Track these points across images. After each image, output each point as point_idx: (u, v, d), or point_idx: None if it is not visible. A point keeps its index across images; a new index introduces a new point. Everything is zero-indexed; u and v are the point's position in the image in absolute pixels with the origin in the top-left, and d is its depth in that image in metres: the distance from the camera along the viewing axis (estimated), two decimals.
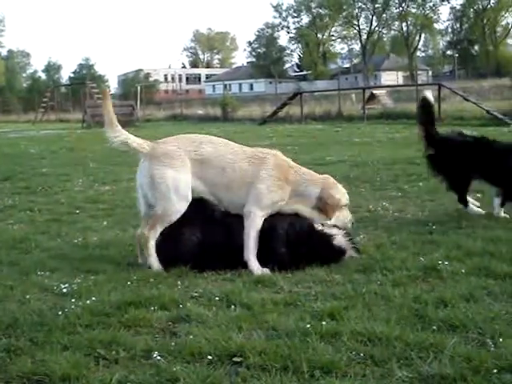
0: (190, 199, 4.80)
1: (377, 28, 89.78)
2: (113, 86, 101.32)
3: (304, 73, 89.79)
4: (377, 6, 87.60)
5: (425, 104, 6.74)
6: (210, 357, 3.08)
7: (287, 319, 3.55)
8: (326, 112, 31.42)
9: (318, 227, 4.90)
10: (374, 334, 3.25)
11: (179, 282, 4.38)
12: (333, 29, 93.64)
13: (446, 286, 4.11)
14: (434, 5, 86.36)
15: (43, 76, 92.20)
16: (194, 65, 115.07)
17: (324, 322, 3.45)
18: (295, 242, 4.76)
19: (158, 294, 4.04)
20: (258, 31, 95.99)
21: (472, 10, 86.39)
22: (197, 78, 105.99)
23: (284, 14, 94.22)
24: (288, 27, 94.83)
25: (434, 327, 3.35)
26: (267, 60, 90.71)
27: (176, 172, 4.74)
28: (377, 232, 5.83)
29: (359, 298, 3.90)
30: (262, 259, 4.71)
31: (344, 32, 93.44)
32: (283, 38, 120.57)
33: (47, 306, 3.93)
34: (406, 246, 5.15)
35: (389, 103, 32.54)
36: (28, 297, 4.11)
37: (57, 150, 17.13)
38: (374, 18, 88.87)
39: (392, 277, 4.32)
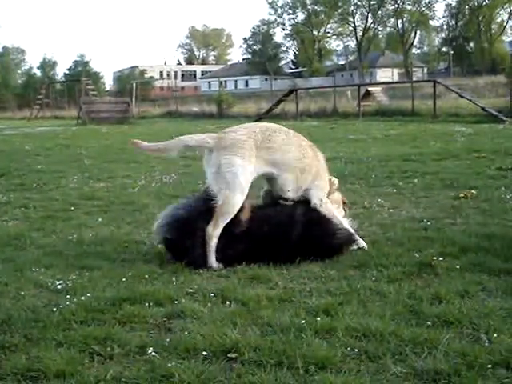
0: (246, 193, 4.77)
1: (372, 25, 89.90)
2: (108, 82, 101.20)
3: (299, 70, 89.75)
4: (372, 2, 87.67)
5: None
6: (204, 353, 3.08)
7: (282, 315, 3.55)
8: (321, 109, 31.42)
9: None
10: (368, 330, 3.26)
11: (174, 279, 4.38)
12: (328, 26, 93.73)
13: (441, 282, 4.12)
14: (429, 2, 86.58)
15: (38, 73, 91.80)
16: (189, 61, 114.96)
17: (319, 318, 3.46)
18: (309, 230, 4.85)
19: (152, 290, 4.04)
20: (254, 28, 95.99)
21: (467, 7, 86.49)
22: (192, 75, 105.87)
23: (279, 11, 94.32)
24: (283, 24, 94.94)
25: (429, 323, 3.36)
26: (263, 57, 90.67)
27: (244, 161, 4.71)
28: (372, 228, 5.83)
29: (354, 294, 3.90)
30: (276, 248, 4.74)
31: (339, 29, 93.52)
32: (279, 35, 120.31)
33: (42, 302, 3.92)
34: (401, 243, 5.16)
35: (384, 100, 32.59)
36: (22, 293, 4.11)
37: (52, 147, 17.09)
38: (370, 14, 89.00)
39: (387, 273, 4.33)
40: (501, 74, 50.81)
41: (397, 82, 49.57)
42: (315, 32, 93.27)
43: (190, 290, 4.12)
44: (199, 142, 4.88)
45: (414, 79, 37.48)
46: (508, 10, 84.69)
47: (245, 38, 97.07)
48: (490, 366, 2.84)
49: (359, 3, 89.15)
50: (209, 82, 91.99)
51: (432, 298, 3.76)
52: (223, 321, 3.49)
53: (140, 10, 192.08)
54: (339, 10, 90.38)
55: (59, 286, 4.22)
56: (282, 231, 4.79)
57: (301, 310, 3.64)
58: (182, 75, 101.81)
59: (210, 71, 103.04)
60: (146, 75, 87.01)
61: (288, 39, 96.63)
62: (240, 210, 4.74)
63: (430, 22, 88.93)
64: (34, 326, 3.48)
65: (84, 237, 5.79)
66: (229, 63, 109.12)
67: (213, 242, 4.67)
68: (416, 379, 2.80)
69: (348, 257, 4.84)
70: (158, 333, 3.41)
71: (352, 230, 5.10)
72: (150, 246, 5.30)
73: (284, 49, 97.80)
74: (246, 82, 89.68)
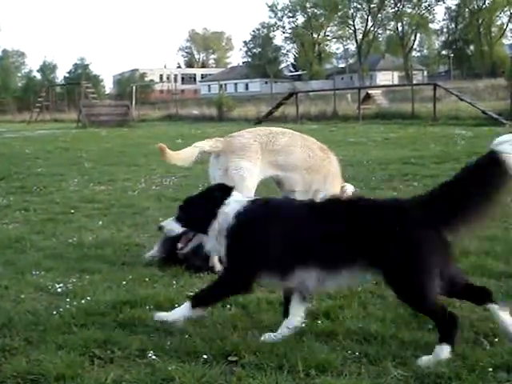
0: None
1: (372, 28, 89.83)
2: (108, 85, 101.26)
3: (299, 73, 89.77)
4: (372, 5, 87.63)
5: None
6: (205, 356, 3.07)
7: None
8: (321, 112, 31.39)
9: None
10: (369, 333, 3.26)
11: (174, 282, 4.38)
12: (328, 29, 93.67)
13: None
14: (429, 5, 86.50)
15: (38, 76, 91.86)
16: (189, 65, 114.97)
17: (319, 322, 3.46)
18: None
19: (153, 293, 4.04)
20: (254, 31, 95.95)
21: (467, 10, 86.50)
22: (192, 78, 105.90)
23: (279, 14, 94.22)
24: (283, 27, 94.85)
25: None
26: (263, 60, 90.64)
27: (251, 164, 4.82)
28: None
29: (354, 298, 3.90)
30: None
31: (339, 32, 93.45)
32: (278, 38, 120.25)
33: (42, 305, 3.93)
34: None
35: (384, 103, 32.56)
36: (23, 296, 4.11)
37: (52, 150, 17.09)
38: (370, 17, 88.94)
39: None
40: (501, 76, 50.86)
41: (397, 85, 49.57)
42: (315, 35, 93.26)
43: (191, 293, 4.11)
44: (212, 147, 4.98)
45: (414, 82, 37.52)
46: (508, 12, 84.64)
47: (245, 41, 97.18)
48: (490, 369, 2.84)
49: (359, 6, 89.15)
50: (209, 85, 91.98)
51: None
52: (223, 324, 3.49)
53: (140, 13, 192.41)
54: (339, 13, 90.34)
55: (59, 289, 4.22)
56: None
57: None
58: (182, 78, 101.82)
59: (209, 74, 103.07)
60: (145, 78, 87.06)
61: (288, 42, 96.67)
62: None
63: (430, 25, 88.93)
64: (34, 329, 3.48)
65: (84, 240, 5.79)
66: (229, 66, 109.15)
67: None
68: (417, 382, 2.80)
69: None
70: (159, 336, 3.41)
71: None
72: (150, 251, 5.29)
73: (284, 52, 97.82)
74: (246, 85, 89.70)
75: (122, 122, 33.18)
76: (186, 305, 3.29)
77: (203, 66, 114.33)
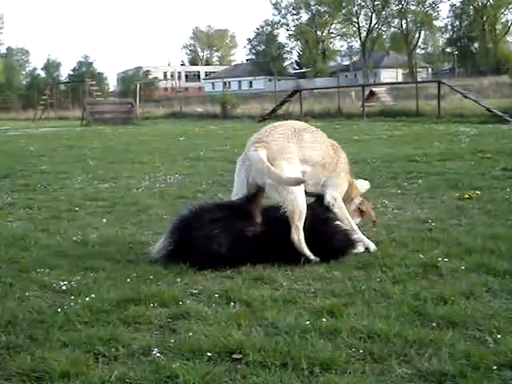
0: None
1: (376, 25, 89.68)
2: (112, 83, 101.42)
3: (303, 70, 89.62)
4: (376, 3, 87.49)
5: None
6: (209, 354, 3.07)
7: (286, 316, 3.55)
8: (325, 109, 31.38)
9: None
10: (373, 331, 3.25)
11: (179, 279, 4.38)
12: (332, 26, 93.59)
13: (446, 283, 4.11)
14: (433, 2, 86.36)
15: (42, 73, 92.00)
16: (193, 62, 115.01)
17: (323, 319, 3.45)
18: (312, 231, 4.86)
19: (157, 291, 4.04)
20: (258, 28, 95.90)
21: (472, 7, 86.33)
22: (196, 76, 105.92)
23: (283, 12, 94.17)
24: (287, 24, 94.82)
25: (434, 324, 3.36)
26: (266, 57, 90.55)
27: (294, 165, 4.90)
28: (376, 229, 5.82)
29: (359, 295, 3.90)
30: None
31: (343, 29, 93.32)
32: (282, 36, 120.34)
33: (46, 303, 3.93)
34: (406, 243, 5.15)
35: (388, 100, 32.51)
36: (27, 294, 4.11)
37: (56, 148, 17.12)
38: (374, 15, 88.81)
39: (391, 274, 4.32)
40: (505, 74, 50.75)
41: (401, 83, 49.54)
42: (319, 32, 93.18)
43: (195, 291, 4.12)
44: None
45: (419, 80, 37.49)
46: None
47: (249, 39, 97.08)
48: (495, 367, 2.83)
49: (363, 3, 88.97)
50: (213, 83, 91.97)
51: (437, 299, 3.75)
52: (228, 322, 3.49)
53: (144, 11, 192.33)
54: (343, 11, 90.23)
55: (64, 287, 4.23)
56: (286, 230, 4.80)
57: (305, 311, 3.64)
58: (186, 76, 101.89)
59: (213, 72, 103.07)
60: (149, 76, 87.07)
61: (292, 40, 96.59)
62: (253, 212, 4.86)
63: (435, 22, 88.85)
64: (38, 326, 3.49)
65: (88, 237, 5.79)
66: (233, 64, 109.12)
67: (303, 242, 4.78)
68: (421, 380, 2.79)
69: (352, 258, 4.83)
70: (163, 333, 3.41)
71: (359, 236, 5.09)
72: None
73: (288, 49, 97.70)
74: (250, 82, 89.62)
75: (126, 120, 33.23)
76: None
77: (207, 63, 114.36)
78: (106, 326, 3.47)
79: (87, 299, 3.90)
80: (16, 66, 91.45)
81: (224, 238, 4.69)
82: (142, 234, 5.95)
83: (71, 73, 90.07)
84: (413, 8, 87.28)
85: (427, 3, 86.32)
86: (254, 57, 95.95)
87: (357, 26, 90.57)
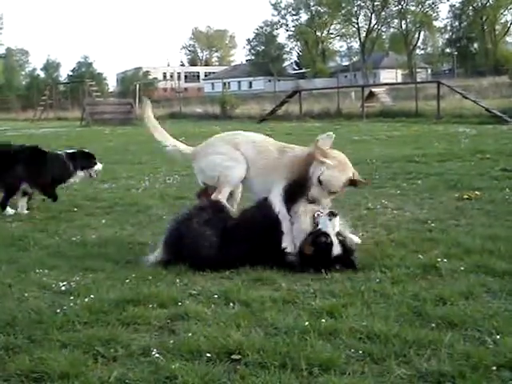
0: None
1: (376, 26, 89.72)
2: (111, 84, 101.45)
3: (303, 71, 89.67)
4: (376, 3, 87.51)
5: None
6: (208, 354, 3.07)
7: (286, 317, 3.55)
8: (324, 110, 31.35)
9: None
10: (372, 332, 3.25)
11: (178, 280, 4.38)
12: (332, 27, 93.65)
13: (445, 283, 4.10)
14: (433, 2, 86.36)
15: (42, 74, 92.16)
16: (192, 63, 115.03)
17: (323, 320, 3.45)
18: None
19: (156, 291, 4.04)
20: (257, 29, 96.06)
21: (471, 7, 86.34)
22: (196, 76, 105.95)
23: (283, 12, 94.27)
24: (287, 25, 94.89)
25: (433, 324, 3.35)
26: (266, 58, 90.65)
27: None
28: (376, 230, 5.83)
29: (358, 296, 3.89)
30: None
31: (343, 30, 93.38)
32: (282, 36, 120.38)
33: (45, 303, 3.92)
34: (405, 244, 5.15)
35: (388, 101, 32.51)
36: (26, 295, 4.11)
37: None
38: (373, 15, 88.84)
39: (391, 274, 4.31)
40: (505, 74, 50.74)
41: (400, 83, 49.54)
42: (318, 33, 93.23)
43: (194, 292, 4.12)
44: None
45: (418, 80, 37.48)
46: None
47: (248, 40, 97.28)
48: (494, 367, 2.83)
49: (363, 4, 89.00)
50: (212, 84, 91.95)
51: (436, 299, 3.75)
52: (227, 322, 3.49)
53: (143, 12, 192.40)
54: (342, 11, 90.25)
55: (63, 288, 4.22)
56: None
57: (304, 312, 3.63)
58: (186, 76, 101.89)
59: (213, 72, 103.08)
60: (149, 76, 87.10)
61: (291, 40, 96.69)
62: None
63: (434, 22, 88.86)
64: (37, 327, 3.48)
65: (88, 238, 5.79)
66: (232, 64, 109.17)
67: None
68: (420, 381, 2.79)
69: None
70: (162, 334, 3.41)
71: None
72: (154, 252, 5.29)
73: (287, 50, 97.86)
74: (250, 83, 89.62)
75: (125, 120, 33.19)
76: None
77: (207, 64, 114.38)
78: (105, 327, 3.47)
79: (86, 300, 3.90)
80: (15, 66, 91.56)
81: (214, 236, 4.71)
82: (142, 234, 5.95)
83: (71, 73, 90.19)
84: (412, 8, 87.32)
85: (427, 4, 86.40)
86: (253, 57, 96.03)
87: (356, 26, 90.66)
